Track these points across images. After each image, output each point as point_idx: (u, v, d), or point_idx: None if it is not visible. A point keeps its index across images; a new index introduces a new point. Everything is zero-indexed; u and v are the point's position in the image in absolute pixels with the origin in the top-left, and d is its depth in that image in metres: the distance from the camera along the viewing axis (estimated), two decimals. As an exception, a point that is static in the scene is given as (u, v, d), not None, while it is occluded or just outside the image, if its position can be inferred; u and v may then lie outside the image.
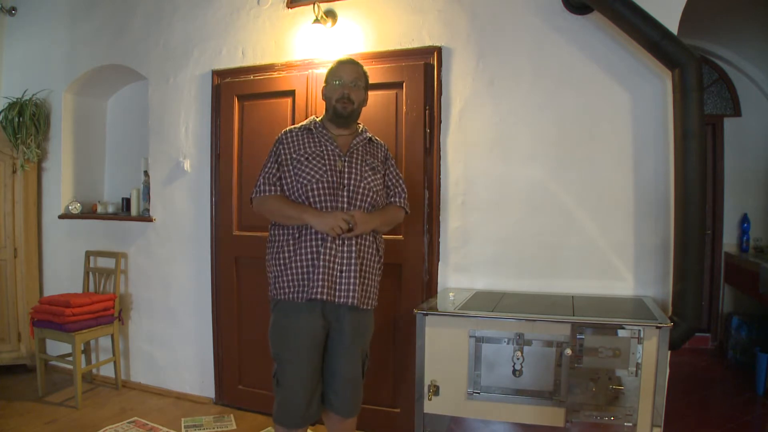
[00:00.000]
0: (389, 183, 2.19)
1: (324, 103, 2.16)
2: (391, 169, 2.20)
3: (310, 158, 2.03)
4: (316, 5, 2.84)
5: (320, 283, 1.94)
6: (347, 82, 2.07)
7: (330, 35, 2.91)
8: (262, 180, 2.08)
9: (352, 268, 1.97)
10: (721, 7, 3.56)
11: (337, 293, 1.97)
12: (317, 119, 2.16)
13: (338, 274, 1.97)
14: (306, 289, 1.97)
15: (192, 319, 3.35)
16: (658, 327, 1.90)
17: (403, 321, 2.75)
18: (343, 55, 2.39)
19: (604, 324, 1.96)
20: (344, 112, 2.07)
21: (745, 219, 4.29)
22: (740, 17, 3.78)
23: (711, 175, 4.36)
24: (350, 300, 1.97)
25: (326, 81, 2.14)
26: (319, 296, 1.94)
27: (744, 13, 3.72)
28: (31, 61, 3.91)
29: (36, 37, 3.89)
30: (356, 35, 2.89)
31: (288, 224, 2.03)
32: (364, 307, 2.03)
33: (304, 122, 2.17)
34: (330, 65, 2.16)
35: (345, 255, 1.98)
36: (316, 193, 1.98)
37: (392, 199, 2.18)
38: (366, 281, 2.03)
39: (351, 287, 1.97)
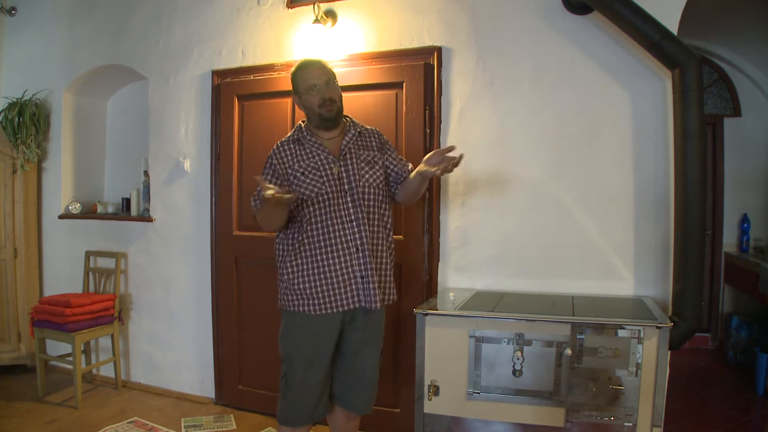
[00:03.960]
0: (393, 163, 2.14)
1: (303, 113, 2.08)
2: (391, 153, 2.16)
3: (306, 171, 1.99)
4: (316, 5, 2.84)
5: (339, 297, 1.95)
6: (322, 85, 1.99)
7: (330, 35, 2.91)
8: (255, 194, 2.01)
9: (371, 272, 1.96)
10: (721, 7, 3.56)
11: (363, 299, 1.97)
12: (303, 126, 2.09)
13: (359, 280, 1.97)
14: (321, 303, 1.96)
15: (192, 319, 3.35)
16: (658, 327, 1.91)
17: (404, 321, 2.75)
18: (302, 59, 2.11)
19: (604, 324, 1.96)
20: (331, 115, 2.01)
21: (745, 219, 4.29)
22: (740, 17, 3.78)
23: (711, 175, 4.36)
24: (374, 305, 1.97)
25: (298, 91, 2.03)
26: (337, 310, 1.96)
27: (744, 13, 3.72)
28: (31, 61, 3.90)
29: (36, 37, 3.89)
30: (356, 35, 2.89)
31: (277, 227, 2.02)
32: (386, 304, 2.06)
33: (291, 134, 2.10)
34: (292, 73, 2.06)
35: (361, 261, 1.97)
36: (318, 206, 1.97)
37: (404, 173, 2.13)
38: (383, 279, 2.03)
39: (372, 291, 1.96)
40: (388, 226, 2.11)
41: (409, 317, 2.50)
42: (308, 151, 2.03)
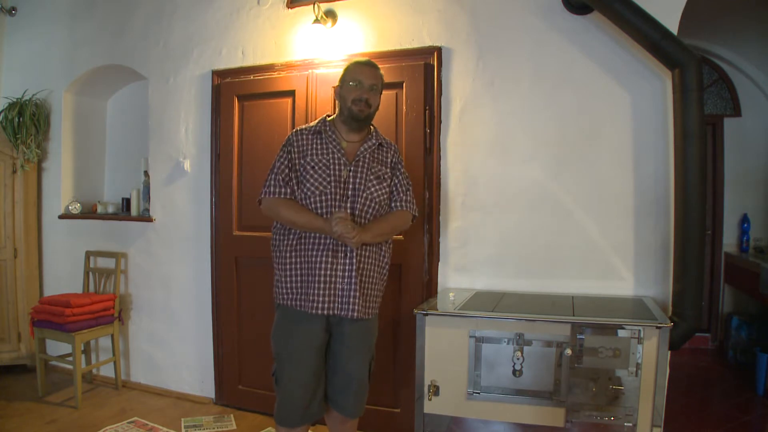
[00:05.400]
0: (394, 188, 2.11)
1: (335, 103, 2.10)
2: (399, 175, 2.13)
3: (316, 167, 2.00)
4: (316, 5, 2.84)
5: (320, 298, 1.94)
6: (366, 86, 2.01)
7: (330, 35, 2.91)
8: (272, 181, 2.02)
9: (353, 280, 1.96)
10: (721, 7, 3.56)
11: (340, 306, 1.96)
12: (328, 119, 2.11)
13: (339, 287, 1.96)
14: (305, 300, 1.97)
15: (192, 319, 3.35)
16: (658, 327, 1.91)
17: (404, 321, 2.75)
18: (361, 57, 2.29)
19: (604, 324, 1.96)
20: (360, 116, 2.02)
21: (745, 219, 4.29)
22: (740, 17, 3.78)
23: (711, 175, 4.36)
24: (351, 313, 1.96)
25: (342, 81, 2.06)
26: (319, 312, 1.95)
27: (744, 13, 3.72)
28: (31, 61, 3.91)
29: (36, 37, 3.89)
30: (356, 35, 2.89)
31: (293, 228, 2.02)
32: (366, 317, 2.02)
33: (314, 123, 2.11)
34: (347, 65, 2.09)
35: (346, 267, 1.96)
36: (319, 204, 1.97)
37: (394, 204, 2.10)
38: (367, 292, 2.02)
39: (352, 300, 1.96)
40: (387, 241, 2.10)
41: (409, 317, 2.50)
42: (324, 145, 2.04)
